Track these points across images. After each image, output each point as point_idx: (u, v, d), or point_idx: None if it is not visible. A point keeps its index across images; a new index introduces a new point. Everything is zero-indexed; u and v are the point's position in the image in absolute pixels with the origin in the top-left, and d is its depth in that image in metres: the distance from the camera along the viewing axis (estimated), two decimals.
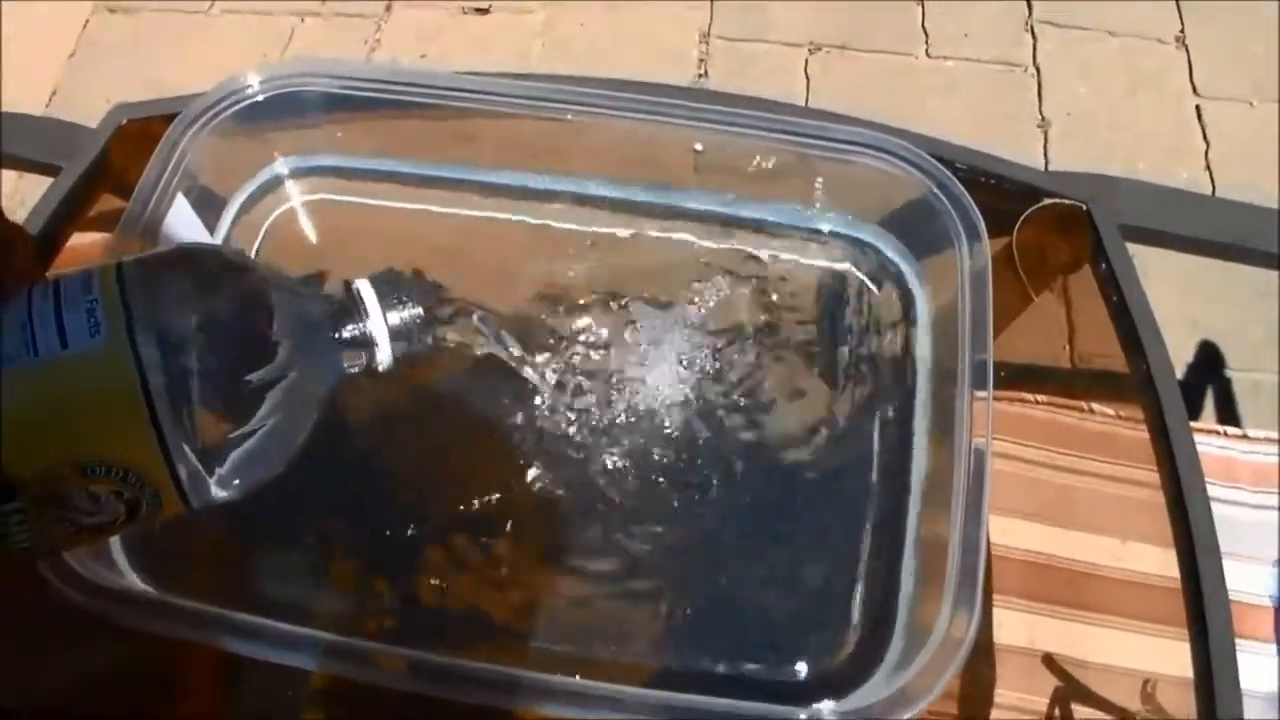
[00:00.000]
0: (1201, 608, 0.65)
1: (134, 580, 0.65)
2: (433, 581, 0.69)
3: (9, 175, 1.32)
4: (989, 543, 0.61)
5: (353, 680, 0.64)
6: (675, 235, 0.83)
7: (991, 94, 2.19)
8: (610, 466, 0.73)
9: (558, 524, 0.72)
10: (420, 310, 0.59)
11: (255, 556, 0.70)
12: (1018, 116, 2.15)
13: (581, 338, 0.78)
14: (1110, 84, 2.20)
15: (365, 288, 0.57)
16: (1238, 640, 0.64)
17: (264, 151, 0.82)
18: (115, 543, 0.65)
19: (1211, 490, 0.69)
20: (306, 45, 2.27)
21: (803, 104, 2.12)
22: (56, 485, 0.44)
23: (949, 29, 2.28)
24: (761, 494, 0.73)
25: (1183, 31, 2.27)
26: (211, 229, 0.78)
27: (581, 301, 0.80)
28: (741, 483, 0.73)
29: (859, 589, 0.69)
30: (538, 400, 0.75)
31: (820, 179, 0.80)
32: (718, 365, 0.77)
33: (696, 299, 0.80)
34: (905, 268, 0.80)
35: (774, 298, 0.81)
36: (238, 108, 0.77)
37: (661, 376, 0.77)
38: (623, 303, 0.80)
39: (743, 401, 0.76)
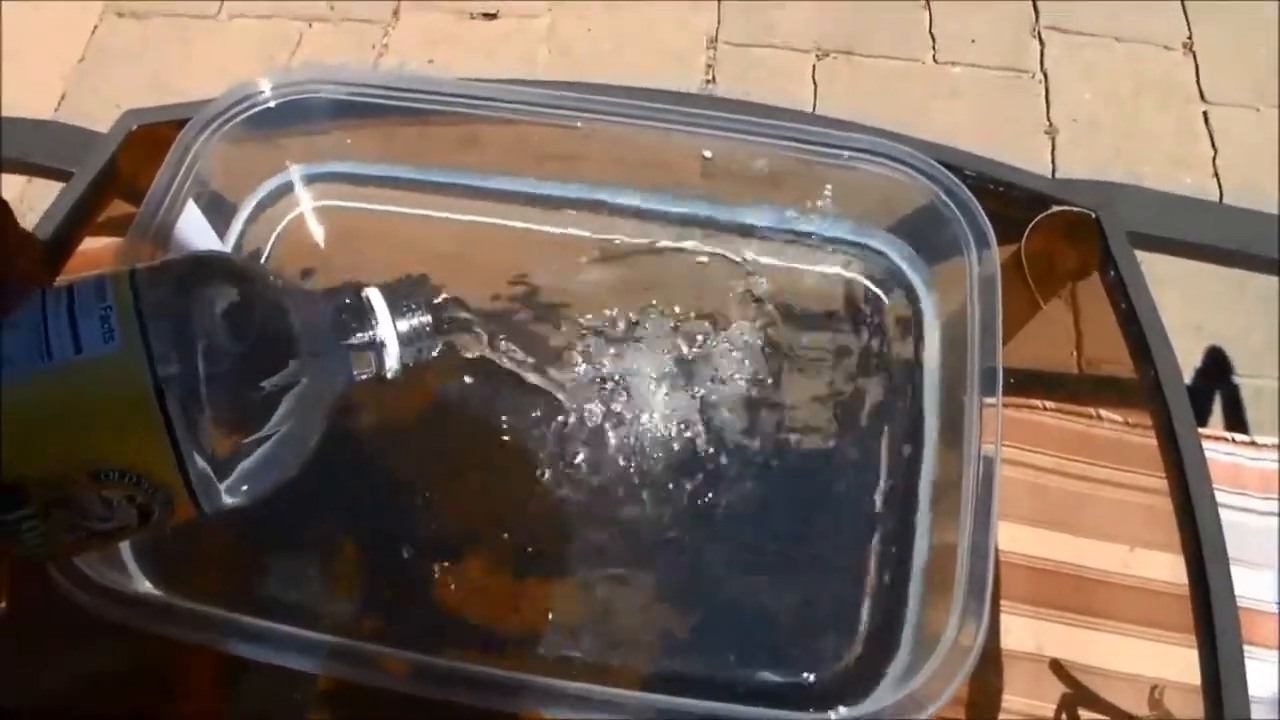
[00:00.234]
0: (1210, 615, 0.65)
1: (142, 583, 0.65)
2: (437, 585, 0.69)
3: (18, 180, 1.33)
4: (997, 549, 0.61)
5: (356, 688, 0.65)
6: (683, 242, 0.83)
7: (998, 100, 2.19)
8: (616, 472, 0.73)
9: (564, 530, 0.72)
10: (429, 318, 0.60)
11: (262, 560, 0.71)
12: (1024, 122, 2.15)
13: (588, 343, 0.78)
14: (1117, 90, 2.20)
15: (375, 295, 0.58)
16: (1244, 647, 0.64)
17: (274, 157, 0.82)
18: (124, 545, 0.65)
19: (1219, 497, 0.69)
20: (314, 50, 2.27)
21: (809, 109, 2.12)
22: (69, 490, 0.44)
23: (955, 34, 2.28)
24: (769, 499, 0.73)
25: (1190, 38, 2.27)
26: (222, 234, 0.78)
27: (588, 307, 0.80)
28: (748, 488, 0.73)
29: (867, 595, 0.69)
30: (543, 406, 0.75)
31: (828, 186, 0.80)
32: (725, 371, 0.77)
33: (705, 306, 0.80)
34: (913, 274, 0.80)
35: (782, 304, 0.81)
36: (248, 114, 0.77)
37: (668, 383, 0.77)
38: (630, 309, 0.80)
39: (749, 409, 0.76)
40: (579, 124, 0.78)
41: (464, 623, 0.69)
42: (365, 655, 0.57)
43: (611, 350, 0.78)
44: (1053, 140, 2.12)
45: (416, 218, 0.84)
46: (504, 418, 0.75)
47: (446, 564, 0.70)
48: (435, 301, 0.77)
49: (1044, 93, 2.19)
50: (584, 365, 0.77)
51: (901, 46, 2.27)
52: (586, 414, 0.75)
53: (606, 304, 0.80)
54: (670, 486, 0.73)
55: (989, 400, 0.66)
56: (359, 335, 0.57)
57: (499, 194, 0.84)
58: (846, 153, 0.77)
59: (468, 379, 0.76)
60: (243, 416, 0.48)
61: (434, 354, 0.62)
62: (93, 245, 0.81)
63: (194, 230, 0.74)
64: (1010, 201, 0.82)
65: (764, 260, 0.82)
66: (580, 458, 0.74)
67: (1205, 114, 2.16)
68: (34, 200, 1.74)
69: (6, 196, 0.48)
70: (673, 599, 0.70)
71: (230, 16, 2.32)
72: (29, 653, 0.68)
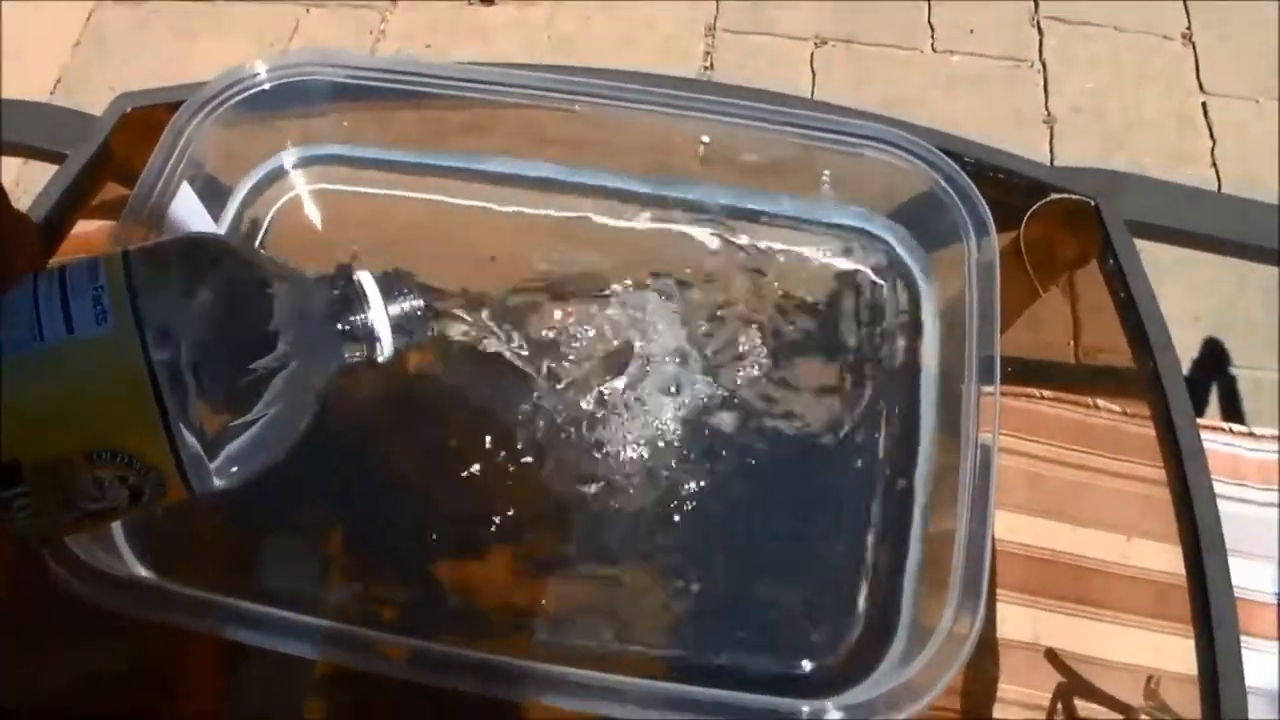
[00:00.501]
0: (1207, 606, 0.65)
1: (137, 569, 0.64)
2: (433, 572, 0.69)
3: (13, 162, 1.32)
4: (994, 538, 0.61)
5: (354, 679, 0.65)
6: (681, 227, 0.83)
7: (997, 89, 2.19)
8: (613, 459, 0.73)
9: (560, 516, 0.72)
10: (421, 303, 0.60)
11: (256, 546, 0.70)
12: (1023, 112, 2.15)
13: (584, 329, 0.78)
14: (1116, 80, 2.20)
15: (367, 279, 0.58)
16: (1242, 638, 0.64)
17: (269, 140, 0.82)
18: (118, 531, 0.65)
19: (1217, 487, 0.69)
20: (312, 36, 2.27)
21: (809, 97, 2.12)
22: (61, 470, 0.44)
23: (955, 23, 2.28)
24: (766, 487, 0.73)
25: (1189, 29, 2.27)
26: (216, 217, 0.78)
27: (585, 293, 0.79)
28: (745, 476, 0.73)
29: (864, 583, 0.69)
30: (538, 392, 0.75)
31: (827, 172, 0.80)
32: (722, 358, 0.77)
33: (701, 292, 0.80)
34: (912, 262, 0.80)
35: (780, 291, 0.80)
36: (243, 96, 0.76)
37: (665, 369, 0.77)
38: (627, 295, 0.79)
39: (747, 395, 0.76)
40: (577, 108, 0.78)
41: (461, 609, 0.68)
42: (363, 640, 0.57)
43: (608, 337, 0.78)
44: (1051, 130, 2.12)
45: (412, 201, 0.83)
46: (498, 404, 0.75)
47: (442, 550, 0.69)
48: (425, 291, 0.77)
49: (1043, 83, 2.19)
50: (580, 351, 0.77)
51: (901, 35, 2.27)
52: (582, 401, 0.75)
53: (603, 289, 0.80)
54: (667, 474, 0.73)
55: (987, 389, 0.66)
56: (351, 319, 0.57)
57: (496, 177, 0.84)
58: (846, 139, 0.77)
59: (462, 364, 0.76)
60: (234, 397, 0.48)
61: (426, 339, 0.62)
62: (86, 228, 0.80)
63: (188, 213, 0.73)
64: (1010, 189, 0.82)
65: (762, 246, 0.82)
66: (577, 445, 0.73)
67: (1204, 105, 2.16)
68: (29, 183, 1.74)
69: (2, 179, 0.47)
70: (670, 587, 0.70)
71: (227, 1, 2.32)
72: (28, 652, 0.68)
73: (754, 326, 0.79)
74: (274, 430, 0.50)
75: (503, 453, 0.73)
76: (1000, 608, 0.83)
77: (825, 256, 0.82)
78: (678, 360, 0.77)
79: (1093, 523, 0.86)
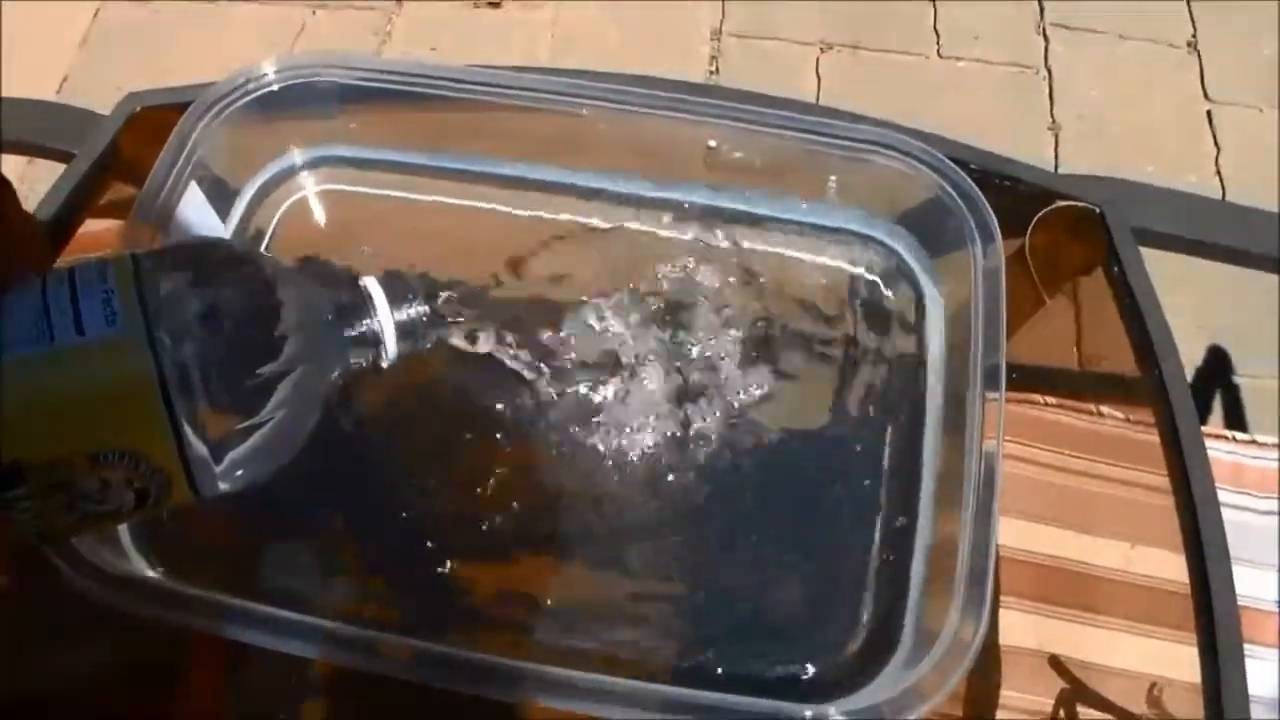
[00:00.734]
0: (1211, 614, 0.65)
1: (143, 569, 0.64)
2: (436, 574, 0.69)
3: (19, 161, 1.32)
4: (998, 544, 0.61)
5: (354, 680, 0.65)
6: (687, 231, 0.83)
7: (1002, 96, 2.19)
8: (615, 461, 0.73)
9: (562, 519, 0.72)
10: (426, 309, 0.61)
11: (259, 547, 0.70)
12: (1028, 118, 2.15)
13: (589, 330, 0.78)
14: (1122, 88, 2.20)
15: (374, 285, 0.58)
16: (1244, 646, 0.64)
17: (277, 141, 0.82)
18: (125, 531, 0.65)
19: (1220, 495, 0.69)
20: (317, 37, 2.27)
21: (814, 102, 2.12)
22: (67, 471, 0.44)
23: (961, 30, 2.28)
24: (770, 491, 0.73)
25: (1194, 36, 2.27)
26: (224, 218, 0.78)
27: (590, 294, 0.79)
28: (749, 480, 0.73)
29: (868, 589, 0.69)
30: (541, 394, 0.75)
31: (833, 177, 0.80)
32: (727, 362, 0.77)
33: (707, 295, 0.80)
34: (918, 267, 0.80)
35: (785, 295, 0.80)
36: (251, 97, 0.76)
37: (670, 373, 0.77)
38: (631, 297, 0.79)
39: (752, 399, 0.76)
40: (584, 111, 0.78)
41: (463, 611, 0.68)
42: (363, 641, 0.57)
43: (613, 338, 0.78)
44: (1056, 137, 2.12)
45: (419, 203, 0.83)
46: (502, 405, 0.75)
47: (444, 553, 0.69)
48: (432, 293, 0.77)
49: (1048, 89, 2.19)
50: (585, 352, 0.77)
51: (906, 41, 2.27)
52: (585, 402, 0.75)
53: (608, 291, 0.80)
54: (669, 477, 0.73)
55: (991, 395, 0.66)
56: (357, 324, 0.57)
57: (502, 180, 0.84)
58: (852, 144, 0.77)
59: (464, 366, 0.76)
60: (241, 401, 0.48)
61: (430, 344, 0.62)
62: (93, 228, 0.80)
63: (196, 213, 0.73)
64: (1015, 196, 0.82)
65: (768, 250, 0.82)
66: (579, 446, 0.73)
67: (1209, 113, 2.16)
68: (35, 182, 1.74)
69: (9, 178, 0.48)
70: (672, 590, 0.70)
71: (233, 1, 2.32)
72: (30, 649, 0.68)
73: (759, 331, 0.79)
74: (279, 434, 0.50)
75: (504, 455, 0.73)
76: (1004, 614, 0.83)
77: (830, 261, 0.82)
78: (682, 364, 0.77)
79: (1096, 530, 0.87)
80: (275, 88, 0.77)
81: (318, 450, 0.54)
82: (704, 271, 0.81)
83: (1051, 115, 2.15)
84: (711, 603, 0.69)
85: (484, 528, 0.70)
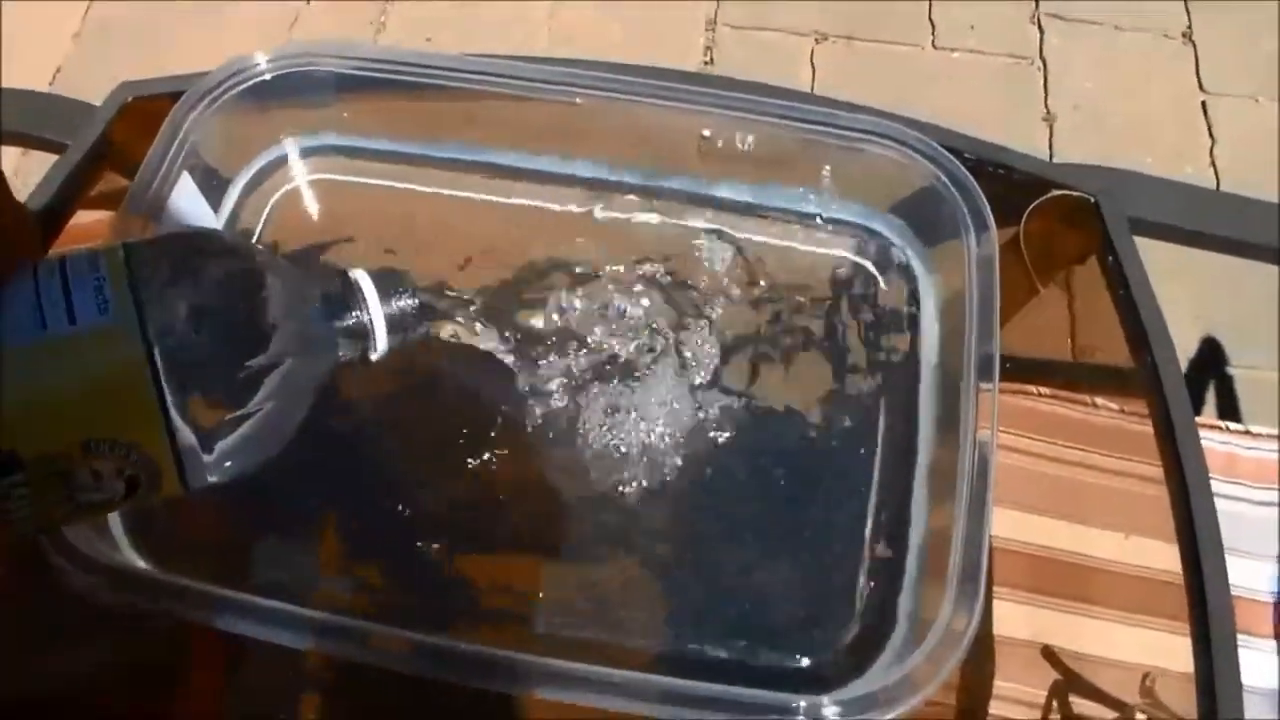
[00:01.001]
0: (1204, 605, 0.65)
1: (135, 561, 0.64)
2: (432, 566, 0.69)
3: (13, 152, 1.32)
4: (991, 535, 0.61)
5: (354, 679, 0.65)
6: (680, 220, 0.83)
7: (997, 86, 2.19)
8: (609, 454, 0.73)
9: (557, 511, 0.71)
10: (416, 301, 0.61)
11: (252, 539, 0.70)
12: (1023, 109, 2.15)
13: (582, 321, 0.78)
14: (1117, 79, 2.19)
15: (364, 278, 0.58)
16: (1239, 636, 0.64)
17: (269, 131, 0.82)
18: (117, 524, 0.65)
19: (1214, 486, 0.69)
20: (311, 28, 2.27)
21: (809, 92, 2.12)
22: (60, 460, 0.44)
23: (955, 20, 2.28)
24: (762, 482, 0.73)
25: (1190, 27, 2.27)
26: (216, 207, 0.78)
27: (584, 284, 0.79)
28: (742, 471, 0.73)
29: (861, 580, 0.69)
30: (534, 385, 0.75)
31: (827, 166, 0.80)
32: (720, 352, 0.77)
33: (700, 285, 0.80)
34: (912, 256, 0.80)
35: (779, 285, 0.80)
36: (244, 87, 0.76)
37: (662, 364, 0.76)
38: (625, 287, 0.79)
39: (745, 390, 0.76)
40: (578, 100, 0.78)
41: (458, 603, 0.68)
42: (359, 633, 0.57)
43: (606, 329, 0.78)
44: (1051, 128, 2.12)
45: (413, 192, 0.83)
46: (495, 396, 0.75)
47: (440, 544, 0.69)
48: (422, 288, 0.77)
49: (1043, 80, 2.19)
50: (578, 343, 0.77)
51: (901, 32, 2.26)
52: (579, 393, 0.75)
53: (602, 281, 0.79)
54: (663, 469, 0.73)
55: (985, 385, 0.66)
56: (347, 317, 0.57)
57: (496, 169, 0.84)
58: (847, 133, 0.77)
59: (456, 357, 0.76)
60: (231, 392, 0.49)
61: (421, 336, 0.62)
62: (84, 219, 0.80)
63: (188, 203, 0.73)
64: (1010, 185, 0.82)
65: (762, 240, 0.82)
66: (572, 439, 0.73)
67: (1204, 104, 2.16)
68: (28, 174, 1.74)
69: (2, 169, 0.47)
70: (667, 581, 0.70)
71: None
72: (27, 648, 0.68)
73: (752, 321, 0.79)
74: (269, 425, 0.51)
75: (499, 446, 0.73)
76: (997, 605, 0.83)
77: (824, 250, 0.82)
78: (675, 354, 0.77)
79: (1090, 520, 0.87)
80: (268, 77, 0.77)
81: (310, 442, 0.54)
82: (697, 261, 0.81)
83: (1046, 106, 2.15)
84: (707, 595, 0.69)
85: (479, 521, 0.70)
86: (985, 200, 0.73)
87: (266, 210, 0.82)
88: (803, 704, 0.56)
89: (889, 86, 2.17)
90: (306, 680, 0.70)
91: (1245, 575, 0.90)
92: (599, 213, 0.83)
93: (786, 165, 0.80)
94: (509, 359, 0.76)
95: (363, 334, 0.58)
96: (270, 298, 0.51)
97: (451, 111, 0.81)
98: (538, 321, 0.78)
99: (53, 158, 0.81)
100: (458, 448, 0.73)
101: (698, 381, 0.76)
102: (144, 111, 0.81)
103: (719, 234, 0.82)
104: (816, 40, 2.25)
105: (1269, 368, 1.77)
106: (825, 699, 0.56)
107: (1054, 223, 0.82)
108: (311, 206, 0.83)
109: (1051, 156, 2.05)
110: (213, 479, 0.50)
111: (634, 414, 0.74)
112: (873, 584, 0.69)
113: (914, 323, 0.78)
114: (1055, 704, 0.78)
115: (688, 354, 0.77)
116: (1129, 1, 2.29)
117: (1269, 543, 0.92)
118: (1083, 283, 0.83)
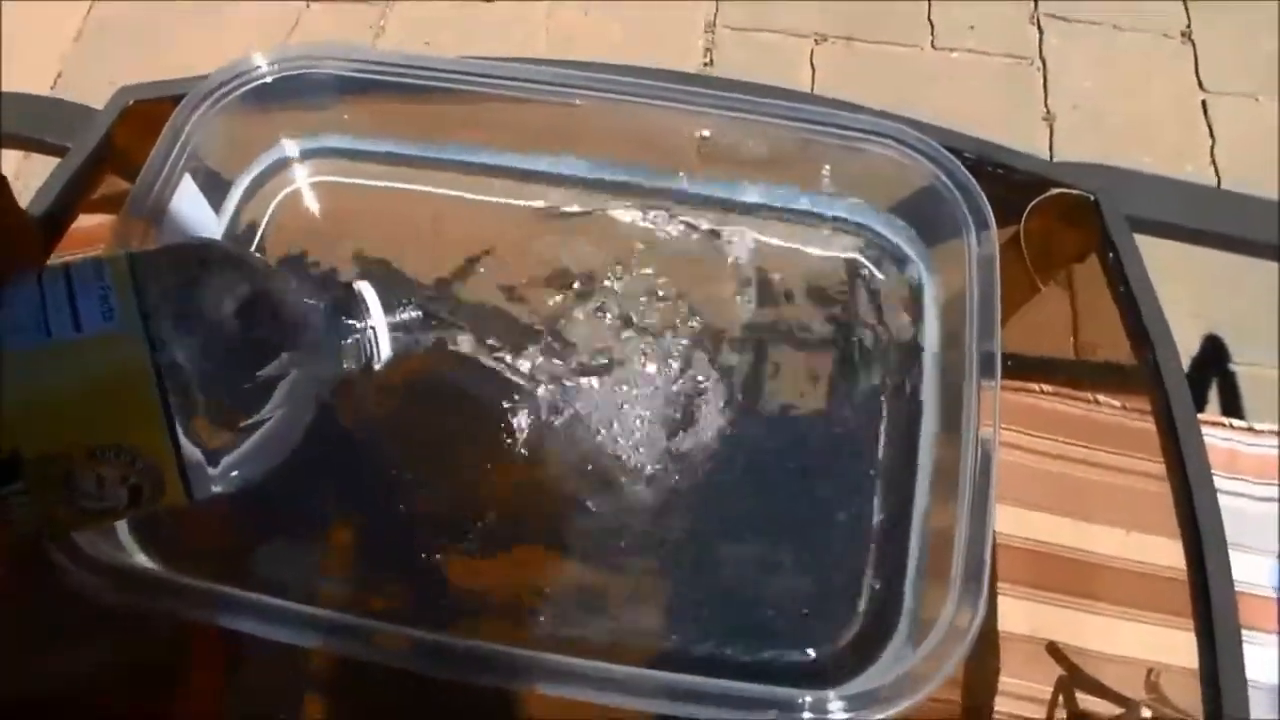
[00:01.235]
0: (1208, 601, 0.65)
1: (140, 560, 0.65)
2: (435, 565, 0.69)
3: (14, 156, 1.32)
4: (994, 531, 0.61)
5: (356, 679, 0.65)
6: (681, 221, 0.83)
7: (997, 86, 2.19)
8: (611, 452, 0.73)
9: (559, 510, 0.72)
10: (420, 313, 0.61)
11: (255, 540, 0.70)
12: (1023, 109, 2.15)
13: (583, 320, 0.78)
14: (1116, 78, 2.20)
15: (367, 288, 0.59)
16: (1242, 632, 0.64)
17: (270, 133, 0.82)
18: (122, 524, 0.65)
19: (1216, 482, 0.69)
20: (312, 32, 2.27)
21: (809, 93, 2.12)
22: (64, 466, 0.44)
23: (955, 21, 2.28)
24: (767, 480, 0.73)
25: (1189, 27, 2.27)
26: (217, 209, 0.78)
27: (584, 285, 0.79)
28: (745, 468, 0.73)
29: (866, 576, 0.69)
30: (536, 386, 0.75)
31: (827, 166, 0.80)
32: (721, 352, 0.77)
33: (701, 285, 0.80)
34: (913, 255, 0.80)
35: (779, 284, 0.81)
36: (245, 89, 0.76)
37: (663, 362, 0.77)
38: (626, 287, 0.79)
39: (747, 388, 0.76)
40: (578, 101, 0.78)
41: (459, 601, 0.68)
42: (361, 630, 0.57)
43: (607, 329, 0.78)
44: (1051, 127, 2.12)
45: (413, 193, 0.83)
46: (494, 397, 0.75)
47: (442, 543, 0.69)
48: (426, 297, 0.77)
49: (1042, 80, 2.19)
50: (579, 342, 0.77)
51: (901, 32, 2.27)
52: (578, 393, 0.75)
53: (602, 281, 0.80)
54: (665, 467, 0.73)
55: (987, 383, 0.66)
56: (351, 328, 0.58)
57: (496, 170, 0.84)
58: (847, 133, 0.77)
59: (461, 359, 0.76)
60: (235, 403, 0.49)
61: (423, 347, 0.63)
62: (86, 223, 0.80)
63: (189, 205, 0.73)
64: (1010, 184, 0.82)
65: (762, 240, 0.82)
66: (574, 438, 0.73)
67: (1204, 103, 2.16)
68: (29, 177, 1.74)
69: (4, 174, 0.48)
70: (670, 577, 0.70)
71: None
72: (28, 648, 0.68)
73: (753, 320, 0.79)
74: (273, 436, 0.51)
75: (499, 446, 0.73)
76: (1001, 601, 0.83)
77: (825, 250, 0.82)
78: (676, 353, 0.77)
79: (1093, 516, 0.87)
80: (269, 79, 0.77)
81: (314, 446, 0.54)
82: (697, 262, 0.81)
83: (1046, 106, 2.15)
84: (711, 591, 0.69)
85: (481, 520, 0.70)
86: (985, 199, 0.73)
87: (268, 212, 0.82)
88: (808, 699, 0.56)
89: (889, 87, 2.17)
90: (307, 680, 0.70)
91: (1248, 571, 0.90)
92: (598, 213, 0.83)
93: (786, 165, 0.80)
94: (508, 360, 0.76)
95: (367, 345, 0.58)
96: (275, 310, 0.51)
97: (452, 113, 0.81)
98: (537, 322, 0.78)
99: (54, 161, 0.81)
100: (459, 448, 0.73)
101: (698, 381, 0.76)
102: (145, 114, 0.81)
103: (719, 234, 0.82)
104: (816, 41, 2.25)
105: (1270, 365, 1.77)
106: (830, 694, 0.56)
107: (1054, 221, 0.82)
108: (313, 208, 0.83)
109: (1051, 156, 2.05)
110: (216, 489, 0.50)
111: (634, 413, 0.74)
112: (877, 580, 0.69)
113: (915, 321, 0.78)
114: (1060, 700, 0.78)
115: (688, 354, 0.77)
116: (1128, 1, 2.29)
117: (1271, 538, 0.93)
118: (1083, 281, 0.83)
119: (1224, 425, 1.00)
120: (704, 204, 0.83)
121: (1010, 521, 0.86)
